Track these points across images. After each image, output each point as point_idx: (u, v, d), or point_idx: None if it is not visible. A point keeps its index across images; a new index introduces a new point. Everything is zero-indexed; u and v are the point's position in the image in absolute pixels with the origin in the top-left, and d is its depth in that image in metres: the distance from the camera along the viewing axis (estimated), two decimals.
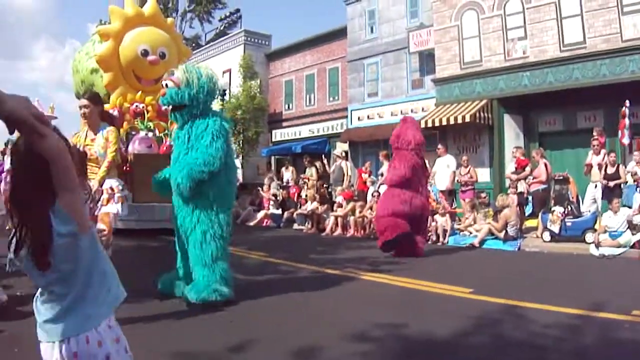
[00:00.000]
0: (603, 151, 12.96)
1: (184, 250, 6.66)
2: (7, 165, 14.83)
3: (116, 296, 2.24)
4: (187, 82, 6.58)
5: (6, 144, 15.77)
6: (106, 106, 14.60)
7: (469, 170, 15.69)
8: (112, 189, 7.04)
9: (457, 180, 15.87)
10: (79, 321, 2.08)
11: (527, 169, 14.34)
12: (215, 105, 6.80)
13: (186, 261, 6.65)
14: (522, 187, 14.06)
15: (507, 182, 14.69)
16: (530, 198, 14.19)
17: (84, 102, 7.16)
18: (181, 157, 6.52)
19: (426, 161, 11.57)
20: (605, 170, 12.43)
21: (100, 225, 6.68)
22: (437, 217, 13.91)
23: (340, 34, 28.25)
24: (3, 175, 14.71)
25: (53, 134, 1.90)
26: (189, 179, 6.21)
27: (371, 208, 14.79)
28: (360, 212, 15.57)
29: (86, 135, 7.16)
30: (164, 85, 6.83)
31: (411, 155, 11.15)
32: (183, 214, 6.60)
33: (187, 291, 6.32)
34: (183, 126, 6.70)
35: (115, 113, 14.24)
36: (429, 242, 13.45)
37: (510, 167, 15.39)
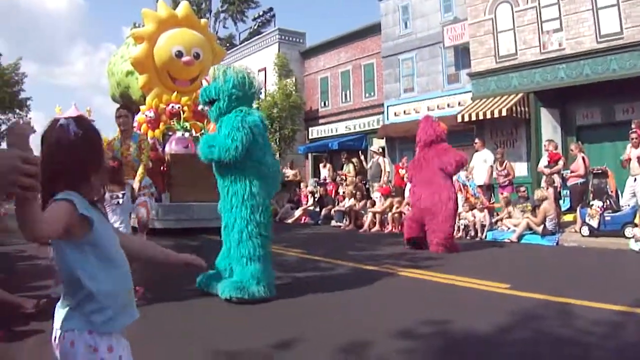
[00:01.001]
0: None
1: (227, 248, 6.79)
2: None
3: (111, 319, 2.16)
4: (214, 78, 6.83)
5: None
6: (142, 108, 14.95)
7: (505, 166, 15.65)
8: (143, 187, 7.96)
9: (495, 176, 15.84)
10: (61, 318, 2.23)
11: (560, 162, 14.26)
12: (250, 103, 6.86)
13: (225, 258, 6.79)
14: (556, 181, 13.96)
15: (544, 178, 14.59)
16: (567, 192, 14.08)
17: (123, 112, 7.91)
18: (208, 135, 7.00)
19: (456, 156, 11.46)
20: None
21: (141, 209, 7.63)
22: (475, 212, 13.90)
23: (374, 29, 28.26)
24: None
25: (37, 199, 1.88)
26: (202, 152, 6.66)
27: (408, 204, 14.82)
28: (397, 208, 15.61)
29: (121, 143, 7.98)
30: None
31: (418, 153, 11.64)
32: (225, 213, 6.74)
33: (219, 286, 6.48)
34: (217, 120, 6.89)
35: (152, 114, 14.51)
36: (467, 238, 13.49)
37: (543, 160, 15.31)
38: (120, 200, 6.58)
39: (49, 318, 5.29)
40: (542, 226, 12.31)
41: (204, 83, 7.05)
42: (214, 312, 6.08)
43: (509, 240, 12.56)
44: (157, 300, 6.40)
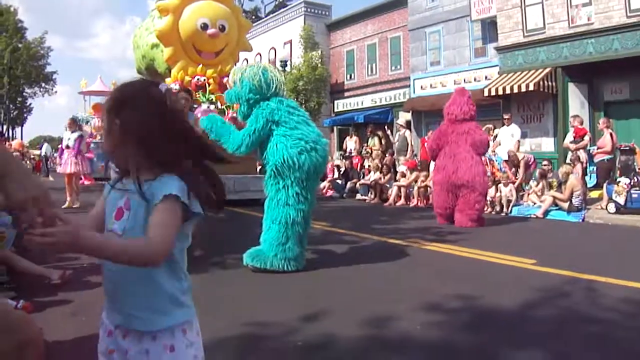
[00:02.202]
0: None
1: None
2: (67, 141, 15.00)
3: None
4: (234, 82, 6.96)
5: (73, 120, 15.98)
6: (167, 80, 15.07)
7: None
8: None
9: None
10: None
11: (586, 138, 14.22)
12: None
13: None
14: (582, 156, 13.93)
15: (570, 154, 14.57)
16: (593, 168, 14.04)
17: (185, 95, 8.49)
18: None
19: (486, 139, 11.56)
20: None
21: None
22: (500, 186, 13.92)
23: (400, 2, 28.13)
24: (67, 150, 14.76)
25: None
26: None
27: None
28: (423, 181, 15.63)
29: None
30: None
31: (447, 126, 11.55)
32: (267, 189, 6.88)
33: (246, 254, 6.67)
34: (245, 119, 7.02)
35: (177, 87, 14.66)
36: (493, 213, 13.53)
37: (568, 136, 15.27)
38: None
39: (74, 289, 5.52)
40: (568, 202, 12.29)
41: (229, 86, 7.13)
42: (238, 281, 6.26)
43: (534, 216, 12.57)
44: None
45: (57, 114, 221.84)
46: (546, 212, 12.53)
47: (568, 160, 13.99)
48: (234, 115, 15.13)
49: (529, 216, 12.73)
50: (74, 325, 4.13)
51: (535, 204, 13.25)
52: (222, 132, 6.83)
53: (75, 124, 15.93)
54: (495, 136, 16.20)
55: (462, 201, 11.06)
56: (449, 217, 11.29)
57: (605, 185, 12.60)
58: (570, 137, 14.83)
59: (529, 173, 14.36)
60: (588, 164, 14.13)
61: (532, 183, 13.33)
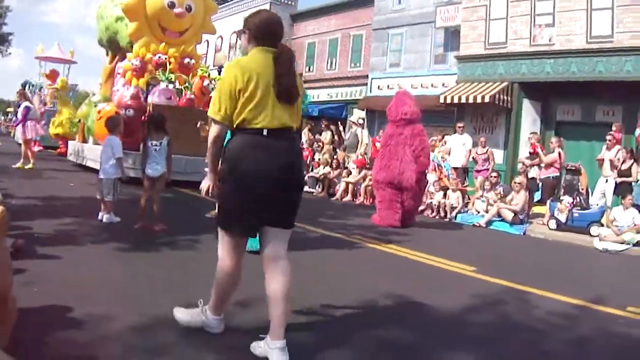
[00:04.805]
0: (617, 147, 12.99)
1: None
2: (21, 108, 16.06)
3: None
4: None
5: (23, 85, 16.38)
6: (128, 55, 14.86)
7: (486, 151, 15.86)
8: None
9: (473, 159, 16.04)
10: None
11: (541, 155, 14.43)
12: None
13: None
14: (534, 172, 14.14)
15: (519, 166, 14.78)
16: (540, 185, 14.26)
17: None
18: None
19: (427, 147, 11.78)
20: (620, 166, 12.49)
21: None
22: (448, 193, 14.07)
23: (367, 1, 28.18)
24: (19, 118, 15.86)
25: None
26: None
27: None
28: (370, 180, 15.68)
29: None
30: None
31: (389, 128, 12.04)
32: None
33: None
34: None
35: (138, 63, 14.43)
36: (437, 217, 13.66)
37: (524, 151, 15.50)
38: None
39: (26, 257, 5.36)
40: (513, 214, 12.45)
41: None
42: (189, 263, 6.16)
43: (477, 224, 12.73)
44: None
45: (8, 77, 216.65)
46: (489, 222, 12.70)
47: (519, 175, 14.15)
48: (191, 97, 15.05)
49: (472, 224, 12.88)
50: (27, 295, 4.01)
51: (479, 212, 13.42)
52: None
53: (23, 95, 17.64)
54: (444, 143, 16.44)
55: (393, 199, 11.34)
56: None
57: (548, 202, 12.84)
58: (526, 152, 15.04)
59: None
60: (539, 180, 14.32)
61: (491, 193, 13.42)
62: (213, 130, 3.61)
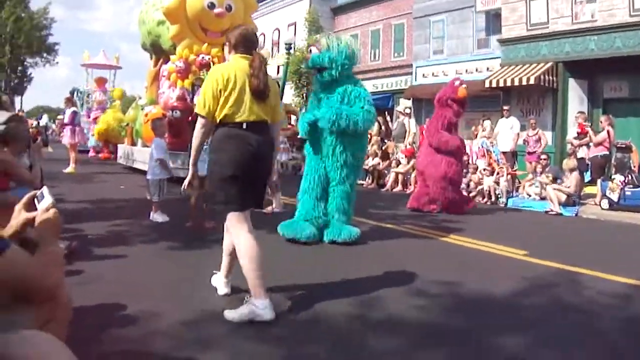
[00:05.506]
0: None
1: (317, 196, 7.68)
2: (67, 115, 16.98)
3: None
4: (327, 47, 7.48)
5: (71, 93, 17.01)
6: (172, 58, 15.18)
7: (537, 132, 15.86)
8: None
9: (524, 141, 16.06)
10: None
11: (590, 134, 14.32)
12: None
13: (318, 206, 7.68)
14: (582, 153, 14.06)
15: (568, 147, 14.71)
16: (589, 164, 14.15)
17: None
18: (335, 105, 7.43)
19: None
20: None
21: None
22: (499, 177, 14.05)
23: None
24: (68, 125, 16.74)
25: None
26: (336, 120, 7.24)
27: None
28: None
29: None
30: (309, 51, 7.84)
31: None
32: (329, 167, 7.63)
33: (336, 236, 7.46)
34: (325, 88, 7.66)
35: (182, 64, 14.75)
36: (488, 203, 13.69)
37: (572, 132, 15.43)
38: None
39: (80, 259, 5.70)
40: (565, 196, 12.36)
41: (314, 49, 7.64)
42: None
43: (550, 211, 12.38)
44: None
45: (56, 85, 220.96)
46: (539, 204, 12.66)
47: (568, 155, 14.03)
48: None
49: (524, 208, 12.86)
50: (83, 295, 4.30)
51: (530, 196, 13.41)
52: (350, 114, 7.31)
53: (70, 101, 18.52)
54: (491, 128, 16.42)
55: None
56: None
57: (599, 181, 12.69)
58: (574, 132, 14.96)
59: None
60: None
61: (542, 176, 13.33)
62: (199, 123, 4.45)
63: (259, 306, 4.16)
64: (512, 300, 5.19)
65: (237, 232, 4.35)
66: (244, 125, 4.30)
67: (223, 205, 4.35)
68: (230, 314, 4.21)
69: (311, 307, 4.62)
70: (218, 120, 4.34)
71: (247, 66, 4.39)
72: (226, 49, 4.67)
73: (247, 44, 4.55)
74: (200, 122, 4.44)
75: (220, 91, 4.28)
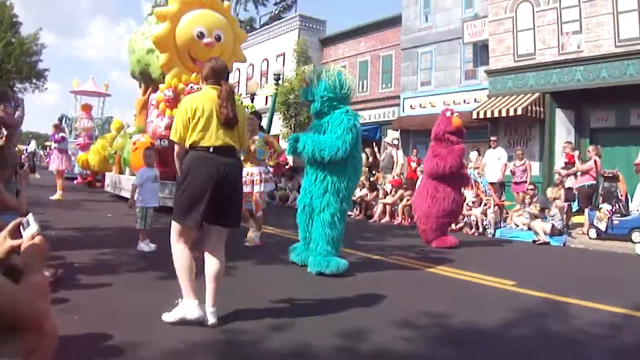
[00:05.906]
0: None
1: (306, 225, 7.82)
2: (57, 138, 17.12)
3: None
4: (310, 82, 7.68)
5: (60, 119, 17.07)
6: (161, 86, 15.15)
7: (524, 162, 15.85)
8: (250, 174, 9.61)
9: (511, 172, 16.03)
10: None
11: (577, 164, 14.32)
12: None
13: (307, 233, 7.84)
14: (570, 182, 14.05)
15: (556, 177, 14.70)
16: (576, 194, 14.15)
17: (251, 117, 9.89)
18: (315, 135, 7.51)
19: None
20: None
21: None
22: (485, 208, 14.04)
23: (394, 21, 28.34)
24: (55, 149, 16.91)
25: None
26: (312, 152, 7.34)
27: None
28: (408, 200, 15.71)
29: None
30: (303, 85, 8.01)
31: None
32: (314, 195, 7.64)
33: (310, 263, 7.51)
34: (316, 117, 7.79)
35: (171, 93, 14.70)
36: (476, 234, 13.63)
37: (559, 162, 15.42)
38: None
39: (66, 287, 5.57)
40: (550, 226, 12.36)
41: (304, 84, 7.78)
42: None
43: (539, 240, 12.38)
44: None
45: (45, 111, 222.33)
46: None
47: (554, 185, 14.04)
48: None
49: (512, 239, 12.83)
50: (68, 324, 4.22)
51: (518, 226, 13.37)
52: (318, 142, 7.35)
53: (58, 127, 18.82)
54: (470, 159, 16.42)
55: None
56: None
57: (587, 211, 12.73)
58: (562, 162, 14.95)
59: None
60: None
61: (531, 207, 13.28)
62: (175, 149, 4.97)
63: (187, 305, 4.65)
64: (501, 331, 5.14)
65: (173, 241, 4.80)
66: (211, 149, 4.69)
67: (176, 219, 4.76)
68: (166, 317, 4.69)
69: (297, 338, 4.55)
70: (188, 145, 4.77)
71: (216, 96, 4.80)
72: (200, 79, 5.18)
73: (217, 76, 4.96)
74: (175, 148, 4.98)
75: (189, 119, 4.73)
